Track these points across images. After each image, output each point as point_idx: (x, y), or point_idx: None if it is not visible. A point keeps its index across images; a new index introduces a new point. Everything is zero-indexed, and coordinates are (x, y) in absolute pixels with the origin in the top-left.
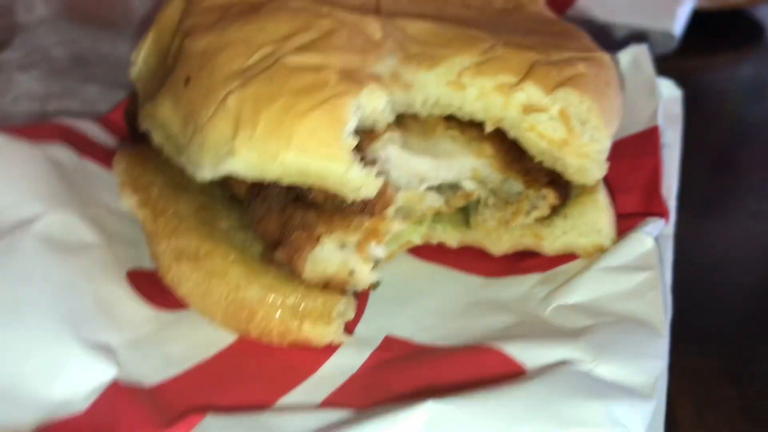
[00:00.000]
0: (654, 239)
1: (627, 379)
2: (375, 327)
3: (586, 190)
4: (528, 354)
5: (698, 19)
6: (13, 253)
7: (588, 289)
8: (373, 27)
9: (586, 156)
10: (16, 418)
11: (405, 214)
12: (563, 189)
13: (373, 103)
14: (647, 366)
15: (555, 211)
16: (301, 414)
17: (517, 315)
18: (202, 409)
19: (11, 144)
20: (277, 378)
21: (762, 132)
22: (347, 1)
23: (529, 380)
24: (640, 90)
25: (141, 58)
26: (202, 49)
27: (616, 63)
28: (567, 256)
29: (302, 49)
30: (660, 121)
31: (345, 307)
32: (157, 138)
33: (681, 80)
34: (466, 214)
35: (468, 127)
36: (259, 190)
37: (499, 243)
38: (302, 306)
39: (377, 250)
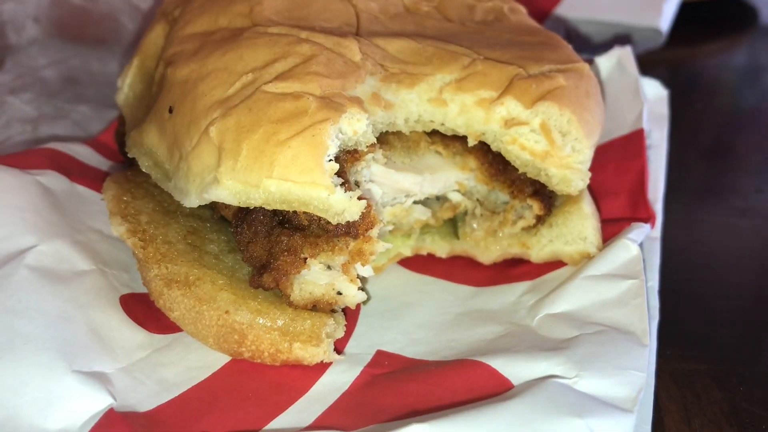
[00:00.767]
0: (639, 246)
1: (609, 393)
2: (366, 342)
3: (570, 199)
4: (514, 369)
5: (690, 9)
6: (6, 286)
7: (574, 298)
8: (353, 49)
9: (568, 167)
10: None
11: (393, 227)
12: (547, 199)
13: (354, 127)
14: (630, 379)
15: (540, 220)
16: None
17: (506, 325)
18: None
19: (3, 174)
20: (270, 398)
21: (755, 118)
22: (326, 23)
23: (512, 398)
24: (625, 93)
25: (126, 84)
26: (184, 78)
27: (597, 70)
28: (555, 264)
29: (281, 77)
30: (645, 124)
31: (334, 328)
32: (144, 164)
33: (673, 70)
34: (454, 225)
35: (451, 141)
36: (245, 215)
37: (488, 252)
38: (291, 328)
39: (363, 270)
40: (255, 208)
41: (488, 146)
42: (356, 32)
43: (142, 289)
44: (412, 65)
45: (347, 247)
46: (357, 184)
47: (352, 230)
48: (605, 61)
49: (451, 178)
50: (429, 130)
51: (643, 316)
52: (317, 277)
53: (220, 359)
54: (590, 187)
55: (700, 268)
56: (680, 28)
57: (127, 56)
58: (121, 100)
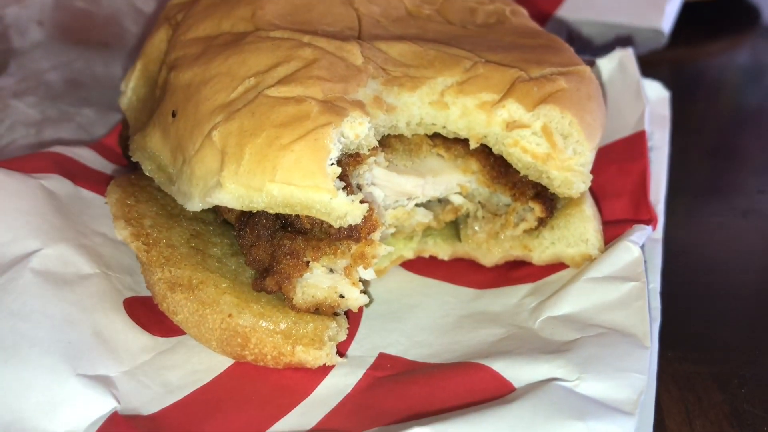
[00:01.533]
0: (640, 248)
1: (610, 396)
2: (368, 345)
3: (572, 201)
4: (516, 371)
5: (692, 9)
6: (12, 289)
7: (575, 300)
8: (355, 53)
9: (569, 169)
10: None
11: (395, 230)
12: (549, 201)
13: (356, 130)
14: (631, 381)
15: (542, 223)
16: None
17: (508, 327)
18: None
19: (8, 179)
20: (273, 401)
21: (757, 118)
22: (328, 27)
23: (514, 401)
24: (627, 94)
25: (130, 88)
26: (187, 82)
27: (599, 72)
28: (557, 266)
29: (284, 81)
30: (647, 126)
31: (336, 331)
32: (148, 168)
33: (675, 70)
34: (456, 227)
35: (453, 144)
36: (247, 218)
37: (490, 255)
38: (294, 331)
39: (365, 273)
40: (258, 211)
41: (490, 149)
42: (358, 36)
43: (146, 292)
44: (413, 68)
45: (349, 251)
46: (359, 187)
47: (354, 233)
48: (607, 63)
49: (453, 180)
50: (431, 133)
51: (644, 319)
52: (320, 280)
53: (224, 362)
54: (592, 189)
55: (701, 269)
56: (682, 28)
57: (131, 59)
58: (124, 104)
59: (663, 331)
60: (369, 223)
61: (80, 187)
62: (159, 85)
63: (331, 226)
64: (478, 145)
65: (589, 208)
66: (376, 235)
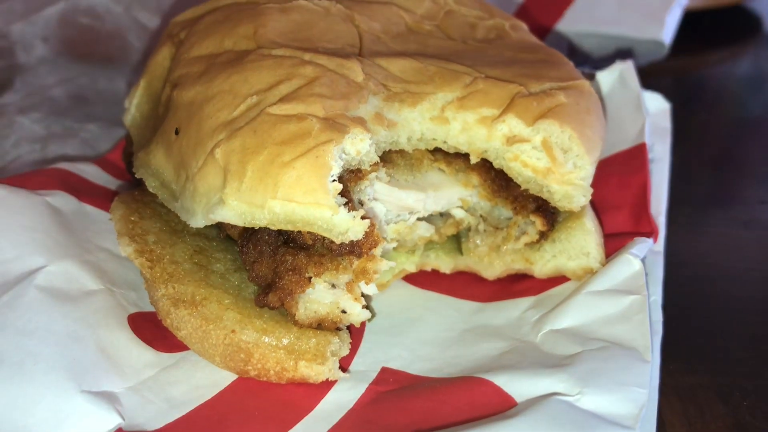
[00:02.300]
0: (641, 261)
1: (611, 410)
2: (371, 359)
3: (573, 214)
4: (518, 386)
5: (693, 18)
6: (17, 306)
7: (577, 313)
8: (355, 70)
9: (570, 183)
10: None
11: (397, 244)
12: (550, 215)
13: (357, 146)
14: (632, 396)
15: (543, 236)
16: None
17: (510, 341)
18: None
19: (12, 195)
20: (276, 416)
21: (759, 128)
22: (329, 44)
23: (515, 416)
24: (627, 107)
25: (133, 105)
26: (190, 100)
27: (599, 85)
28: (558, 279)
29: (285, 99)
30: (647, 138)
31: (338, 346)
32: (151, 185)
33: (677, 79)
34: (457, 240)
35: (454, 158)
36: (250, 234)
37: (491, 268)
38: (296, 347)
39: (367, 288)
40: (260, 228)
41: (490, 163)
42: (359, 53)
43: (150, 308)
44: (414, 84)
45: (351, 266)
46: (360, 202)
47: (355, 249)
48: (607, 76)
49: (454, 194)
50: (431, 147)
51: (645, 332)
52: (322, 295)
53: (227, 377)
54: (593, 202)
55: (703, 281)
56: (684, 37)
57: (135, 74)
58: (128, 121)
59: (665, 343)
60: (370, 239)
61: (84, 203)
62: (162, 102)
63: (332, 242)
64: (478, 159)
65: (590, 221)
66: (377, 251)
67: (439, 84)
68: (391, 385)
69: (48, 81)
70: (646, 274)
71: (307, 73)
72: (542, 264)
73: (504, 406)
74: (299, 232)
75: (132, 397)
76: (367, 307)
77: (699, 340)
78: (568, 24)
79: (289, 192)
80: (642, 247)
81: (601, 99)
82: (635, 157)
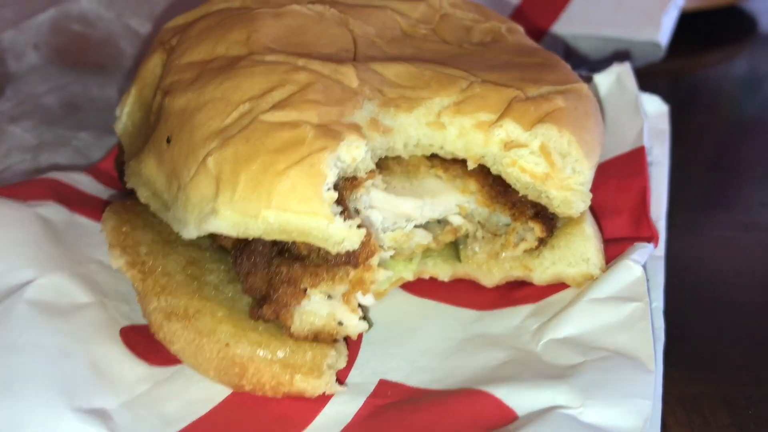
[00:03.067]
0: (642, 267)
1: (615, 423)
2: (369, 371)
3: (572, 220)
4: (519, 398)
5: (689, 19)
6: (5, 322)
7: (578, 321)
8: (350, 75)
9: (568, 188)
10: None
11: (394, 252)
12: (549, 221)
13: (352, 154)
14: (636, 408)
15: (542, 242)
16: None
17: (510, 351)
18: None
19: (1, 207)
20: (273, 431)
21: (757, 129)
22: (323, 49)
23: (517, 430)
24: (625, 110)
25: (125, 113)
26: (182, 107)
27: (597, 88)
28: (558, 286)
29: (278, 105)
30: (646, 141)
31: (335, 359)
32: (143, 195)
33: (673, 81)
34: (455, 247)
35: (451, 164)
36: (243, 245)
37: (490, 275)
38: (292, 360)
39: (364, 299)
40: (254, 238)
41: (488, 169)
42: (354, 57)
43: (143, 321)
44: (410, 89)
45: (348, 276)
46: (357, 211)
47: (352, 259)
48: (604, 78)
49: (452, 201)
50: (428, 153)
51: (648, 341)
52: (318, 307)
53: (222, 392)
54: (592, 206)
55: (705, 286)
56: (680, 38)
57: (127, 81)
58: (119, 129)
59: (667, 351)
60: (367, 249)
61: (76, 213)
62: (154, 110)
63: (328, 252)
64: (476, 165)
65: (589, 227)
66: (374, 260)
67: (435, 89)
68: (390, 398)
69: (39, 89)
70: (648, 280)
71: (300, 79)
72: (541, 271)
73: (505, 420)
74: (294, 242)
75: (125, 414)
76: (364, 317)
77: (702, 347)
78: (565, 26)
79: (283, 201)
80: (643, 252)
81: (599, 102)
82: (634, 161)
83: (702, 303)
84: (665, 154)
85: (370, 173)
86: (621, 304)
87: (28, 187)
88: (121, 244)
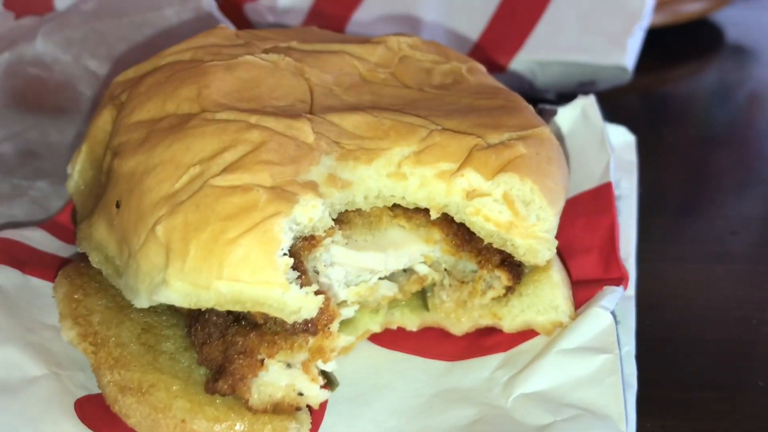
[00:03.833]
0: (612, 313)
1: None
2: None
3: (539, 267)
4: None
5: (657, 35)
6: None
7: (548, 375)
8: (305, 130)
9: (533, 236)
10: None
11: (359, 306)
12: (516, 268)
13: (309, 214)
14: None
15: (510, 290)
16: None
17: (480, 407)
18: None
19: None
20: None
21: (728, 152)
22: (278, 101)
23: None
24: (591, 144)
25: (76, 171)
26: (131, 170)
27: (560, 123)
28: (528, 333)
29: (230, 168)
30: (612, 177)
31: (297, 430)
32: (95, 259)
33: (643, 97)
34: (423, 296)
35: (414, 213)
36: (198, 314)
37: (459, 324)
38: None
39: (326, 366)
40: (207, 309)
41: (452, 217)
42: (310, 108)
43: (99, 390)
44: (368, 140)
45: (307, 344)
46: (316, 270)
47: (310, 327)
48: (569, 112)
49: (416, 251)
50: (390, 204)
51: (618, 397)
52: (276, 378)
53: None
54: (560, 246)
55: (676, 324)
56: (648, 54)
57: (86, 125)
58: (71, 188)
59: (640, 398)
60: (326, 314)
61: (29, 275)
62: (104, 170)
63: (285, 320)
64: (439, 215)
65: (557, 274)
66: (334, 326)
67: (394, 138)
68: None
69: None
70: (618, 323)
71: (253, 138)
72: (511, 319)
73: None
74: (249, 311)
75: None
76: (328, 382)
77: (675, 392)
78: (530, 53)
79: (235, 271)
80: (612, 297)
81: (564, 137)
82: (601, 198)
83: (674, 343)
84: (633, 187)
85: (329, 230)
86: (591, 356)
87: None
88: (73, 313)
